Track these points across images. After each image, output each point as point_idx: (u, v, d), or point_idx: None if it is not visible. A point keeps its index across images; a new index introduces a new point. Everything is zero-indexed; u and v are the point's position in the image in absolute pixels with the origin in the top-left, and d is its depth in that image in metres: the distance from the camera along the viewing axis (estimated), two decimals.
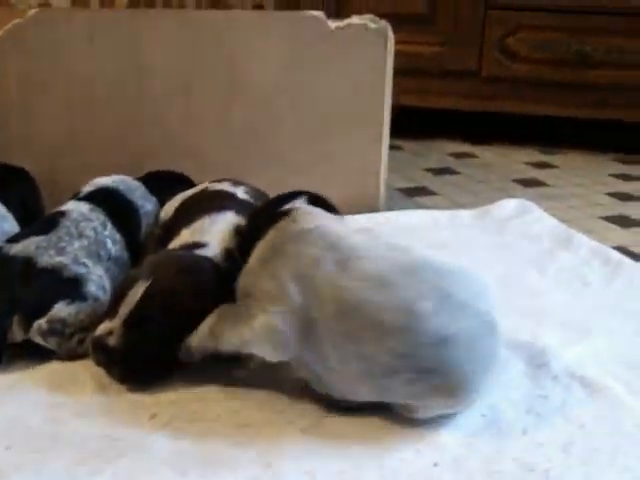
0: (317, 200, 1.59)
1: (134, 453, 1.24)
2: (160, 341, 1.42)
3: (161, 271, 1.47)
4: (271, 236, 1.42)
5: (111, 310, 1.45)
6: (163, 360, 1.44)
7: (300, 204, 1.54)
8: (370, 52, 2.21)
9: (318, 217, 1.46)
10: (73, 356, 1.49)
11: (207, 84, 2.16)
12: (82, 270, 1.57)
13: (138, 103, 2.13)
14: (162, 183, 1.93)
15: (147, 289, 1.43)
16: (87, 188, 1.82)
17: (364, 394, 1.32)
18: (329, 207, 1.60)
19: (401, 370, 1.27)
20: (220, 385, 1.43)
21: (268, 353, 1.34)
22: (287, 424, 1.33)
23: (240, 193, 1.80)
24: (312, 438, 1.29)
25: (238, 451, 1.26)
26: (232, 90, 2.17)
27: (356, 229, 1.49)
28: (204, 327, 1.40)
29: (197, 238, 1.59)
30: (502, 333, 1.38)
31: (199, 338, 1.39)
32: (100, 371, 1.46)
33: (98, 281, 1.58)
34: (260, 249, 1.42)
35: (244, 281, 1.41)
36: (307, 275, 1.34)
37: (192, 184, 1.93)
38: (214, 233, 1.60)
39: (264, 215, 1.52)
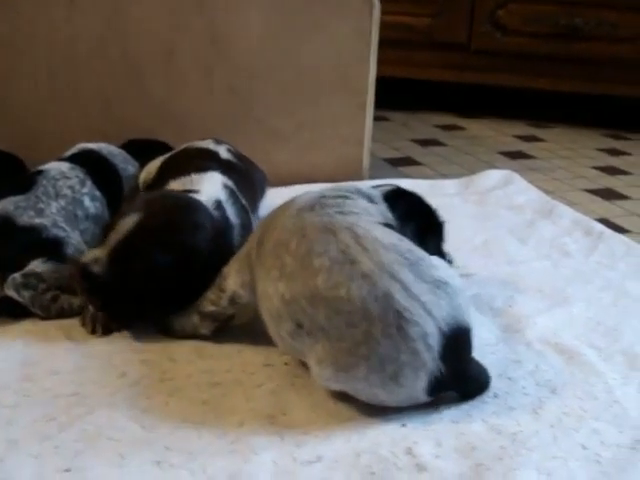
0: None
1: (103, 410, 1.24)
2: (146, 277, 1.41)
3: (155, 206, 1.47)
4: None
5: (101, 241, 1.45)
6: (148, 299, 1.43)
7: None
8: (355, 19, 2.19)
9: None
10: (46, 312, 1.49)
11: (189, 49, 2.14)
12: (61, 233, 1.57)
13: (120, 67, 2.10)
14: (144, 149, 1.93)
15: (139, 221, 1.42)
16: (71, 151, 1.82)
17: (275, 338, 1.33)
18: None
19: (285, 317, 1.27)
20: (192, 346, 1.44)
21: (235, 281, 1.39)
22: (257, 386, 1.33)
23: (223, 152, 1.81)
24: (281, 399, 1.30)
25: (207, 409, 1.26)
26: (215, 56, 2.15)
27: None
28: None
29: (188, 187, 1.60)
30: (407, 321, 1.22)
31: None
32: (73, 330, 1.47)
33: (77, 245, 1.59)
34: None
35: None
36: (274, 216, 1.39)
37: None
38: (204, 184, 1.61)
39: None
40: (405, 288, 1.21)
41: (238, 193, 1.67)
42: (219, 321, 1.45)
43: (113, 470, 1.11)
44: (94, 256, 1.41)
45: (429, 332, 1.20)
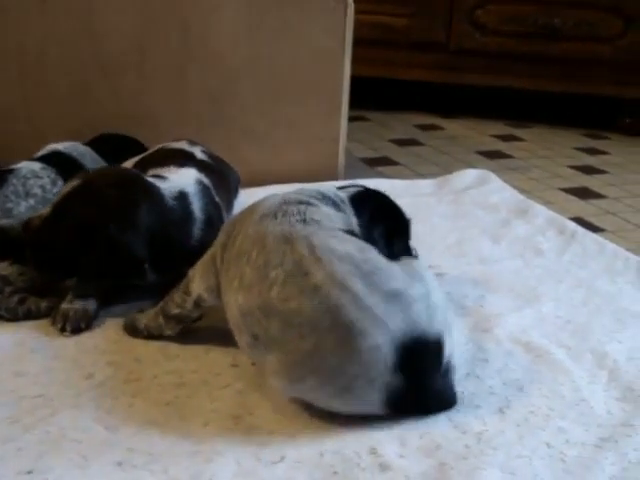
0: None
1: (67, 411, 1.24)
2: (76, 235, 1.45)
3: (101, 176, 1.54)
4: None
5: None
6: (75, 260, 1.47)
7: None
8: (329, 18, 2.19)
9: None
10: (12, 314, 1.49)
11: (161, 48, 2.13)
12: None
13: (92, 67, 2.09)
14: (113, 147, 1.92)
15: (78, 184, 1.49)
16: (40, 152, 1.82)
17: (240, 346, 1.31)
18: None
19: (243, 329, 1.26)
20: (159, 347, 1.43)
21: (199, 285, 1.39)
22: (223, 387, 1.33)
23: (198, 153, 1.82)
24: (247, 400, 1.29)
25: (172, 410, 1.26)
26: (187, 54, 2.15)
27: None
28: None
29: (158, 173, 1.64)
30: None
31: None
32: (40, 332, 1.46)
33: None
34: None
35: None
36: (239, 220, 1.39)
37: (143, 149, 1.92)
38: (177, 175, 1.63)
39: None
40: (357, 299, 1.19)
41: (213, 191, 1.68)
42: (184, 322, 1.44)
43: (75, 471, 1.11)
44: (40, 213, 1.50)
45: (381, 343, 1.17)
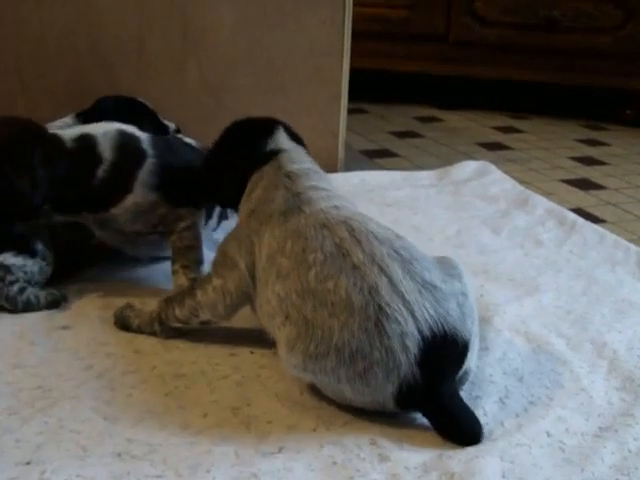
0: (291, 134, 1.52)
1: (65, 402, 1.24)
2: None
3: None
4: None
5: None
6: None
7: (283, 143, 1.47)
8: (328, 10, 2.19)
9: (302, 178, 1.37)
10: (12, 304, 1.49)
11: (160, 41, 2.13)
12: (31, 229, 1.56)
13: (90, 60, 2.09)
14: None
15: None
16: None
17: (272, 331, 1.29)
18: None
19: (278, 312, 1.24)
20: (158, 338, 1.43)
21: (217, 314, 1.37)
22: (222, 378, 1.32)
23: (188, 140, 1.80)
24: (246, 390, 1.29)
25: (170, 401, 1.25)
26: (186, 47, 2.15)
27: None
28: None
29: None
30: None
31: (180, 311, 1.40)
32: (40, 325, 1.46)
33: (46, 241, 1.57)
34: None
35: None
36: (252, 233, 1.34)
37: (147, 111, 1.89)
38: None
39: (244, 154, 1.48)
40: (392, 283, 1.18)
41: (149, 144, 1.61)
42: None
43: (74, 462, 1.11)
44: None
45: (408, 332, 1.15)
